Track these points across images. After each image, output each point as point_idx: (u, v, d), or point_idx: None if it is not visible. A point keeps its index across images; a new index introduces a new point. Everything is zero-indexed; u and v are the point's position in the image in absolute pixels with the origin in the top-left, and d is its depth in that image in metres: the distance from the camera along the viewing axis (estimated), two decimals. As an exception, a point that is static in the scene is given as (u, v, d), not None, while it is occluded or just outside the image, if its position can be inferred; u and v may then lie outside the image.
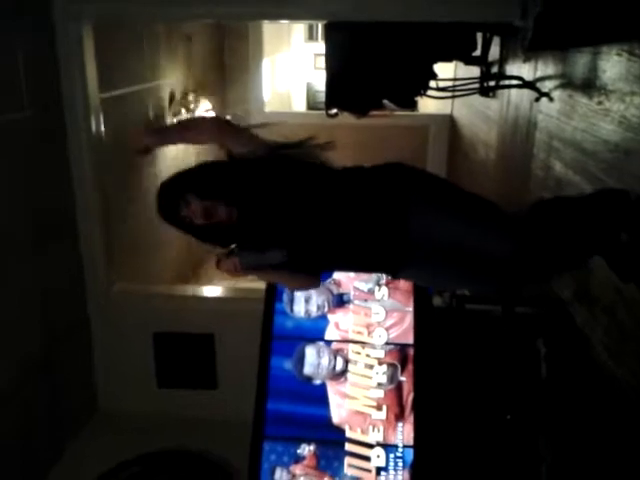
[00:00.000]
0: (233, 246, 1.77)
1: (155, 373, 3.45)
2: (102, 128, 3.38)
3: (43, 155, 2.99)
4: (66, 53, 3.07)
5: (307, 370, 2.08)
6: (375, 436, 1.95)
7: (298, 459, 1.96)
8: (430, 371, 2.00)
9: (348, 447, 1.95)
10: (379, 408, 1.98)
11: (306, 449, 1.95)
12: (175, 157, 4.78)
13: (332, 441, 1.96)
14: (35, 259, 2.92)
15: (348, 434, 1.96)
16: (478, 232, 1.68)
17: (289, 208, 1.74)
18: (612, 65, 2.25)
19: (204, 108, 5.39)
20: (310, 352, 2.07)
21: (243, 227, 1.76)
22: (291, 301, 2.29)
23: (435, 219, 1.68)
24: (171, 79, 4.96)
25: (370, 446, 1.94)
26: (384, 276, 2.28)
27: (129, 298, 3.52)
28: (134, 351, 3.46)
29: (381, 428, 1.96)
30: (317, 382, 2.07)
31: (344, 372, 2.06)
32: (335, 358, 2.07)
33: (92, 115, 3.25)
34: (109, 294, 3.46)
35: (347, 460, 1.93)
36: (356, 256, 1.73)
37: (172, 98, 5.02)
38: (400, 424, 1.98)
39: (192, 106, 5.24)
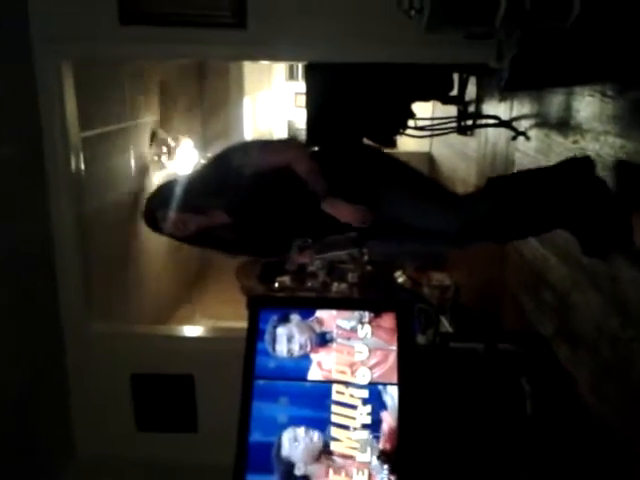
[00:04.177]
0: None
1: (134, 416, 3.37)
2: (82, 167, 3.36)
3: (21, 193, 2.96)
4: (45, 91, 3.08)
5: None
6: (360, 479, 1.90)
7: (280, 506, 1.91)
8: (414, 411, 1.98)
9: (332, 492, 1.90)
10: (363, 450, 1.94)
11: (289, 496, 1.90)
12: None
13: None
14: (11, 298, 2.86)
15: (332, 478, 1.91)
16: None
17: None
18: (586, 105, 2.31)
19: (185, 146, 5.41)
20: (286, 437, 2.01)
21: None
22: (273, 340, 2.25)
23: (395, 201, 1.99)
24: (152, 118, 4.99)
25: (355, 490, 1.90)
26: (367, 314, 2.26)
27: (106, 339, 3.45)
28: (112, 393, 3.38)
29: (365, 471, 1.91)
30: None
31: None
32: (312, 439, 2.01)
33: (72, 153, 3.24)
34: (86, 335, 3.40)
35: (332, 505, 1.89)
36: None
37: (154, 136, 5.04)
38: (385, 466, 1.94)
39: (173, 144, 5.26)
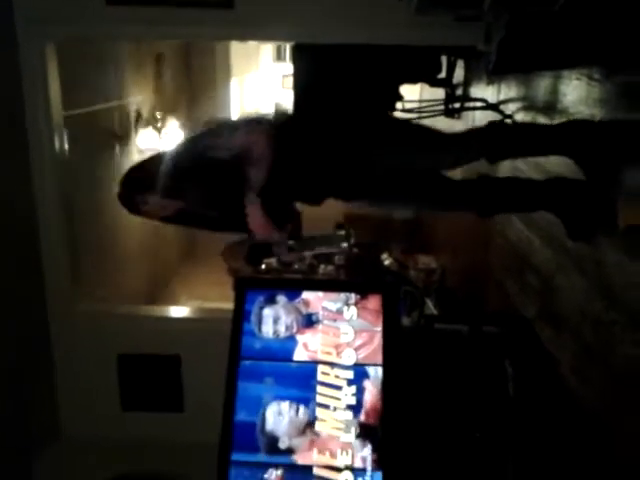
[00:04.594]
0: None
1: (119, 396, 3.37)
2: (65, 145, 3.33)
3: (4, 172, 2.93)
4: (29, 70, 3.04)
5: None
6: (344, 459, 1.92)
7: (265, 484, 1.93)
8: (399, 391, 1.99)
9: (316, 471, 1.92)
10: (348, 430, 1.96)
11: (273, 474, 1.91)
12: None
13: (300, 465, 1.93)
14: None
15: (316, 458, 1.93)
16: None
17: None
18: (572, 89, 2.31)
19: (171, 127, 5.36)
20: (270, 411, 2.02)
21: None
22: (259, 321, 2.26)
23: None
24: (138, 98, 4.93)
25: (338, 470, 1.92)
26: (353, 296, 2.27)
27: (93, 318, 3.44)
28: (98, 373, 3.38)
29: (349, 451, 1.93)
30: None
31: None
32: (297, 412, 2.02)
33: (55, 132, 3.21)
34: (72, 314, 3.39)
35: (315, 484, 1.91)
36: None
37: (139, 116, 4.99)
38: (369, 446, 1.96)
39: (159, 124, 5.21)
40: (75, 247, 3.43)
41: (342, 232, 2.12)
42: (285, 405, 1.96)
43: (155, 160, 2.08)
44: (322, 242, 2.18)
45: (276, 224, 2.22)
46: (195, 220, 2.13)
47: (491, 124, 2.17)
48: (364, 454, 1.91)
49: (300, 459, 1.91)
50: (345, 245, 2.24)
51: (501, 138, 2.07)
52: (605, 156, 1.91)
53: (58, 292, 3.32)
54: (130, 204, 2.06)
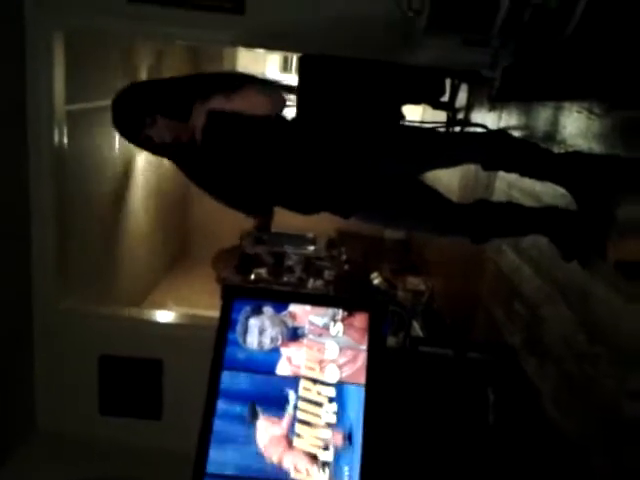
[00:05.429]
0: None
1: (98, 398, 3.33)
2: (65, 140, 3.31)
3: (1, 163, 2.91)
4: (34, 61, 3.02)
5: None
6: (321, 477, 1.90)
7: (239, 498, 1.90)
8: (380, 412, 1.98)
9: (292, 488, 1.90)
10: (326, 449, 1.93)
11: (248, 487, 1.88)
12: (143, 169, 4.72)
13: (275, 480, 1.90)
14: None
15: (293, 475, 1.90)
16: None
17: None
18: (572, 121, 2.32)
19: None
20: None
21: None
22: (244, 332, 2.24)
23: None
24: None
25: (314, 487, 1.89)
26: (340, 312, 2.26)
27: (76, 317, 3.41)
28: (78, 372, 3.34)
29: (326, 470, 1.91)
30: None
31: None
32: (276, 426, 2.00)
33: (55, 126, 3.19)
34: (56, 311, 3.35)
35: (290, 501, 1.88)
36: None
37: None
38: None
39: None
40: (65, 244, 3.40)
41: (311, 236, 2.12)
42: (265, 418, 1.94)
43: (166, 83, 2.05)
44: (290, 241, 2.17)
45: (251, 210, 2.19)
46: (198, 160, 2.01)
47: (499, 131, 2.16)
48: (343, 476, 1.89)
49: (277, 474, 1.89)
50: (312, 249, 2.23)
51: (503, 148, 2.07)
52: (599, 190, 1.92)
53: (44, 287, 3.29)
54: (133, 124, 1.91)
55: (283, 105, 2.06)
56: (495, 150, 2.06)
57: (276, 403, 1.98)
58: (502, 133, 2.18)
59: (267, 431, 1.93)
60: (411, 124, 2.95)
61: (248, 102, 1.90)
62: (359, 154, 2.03)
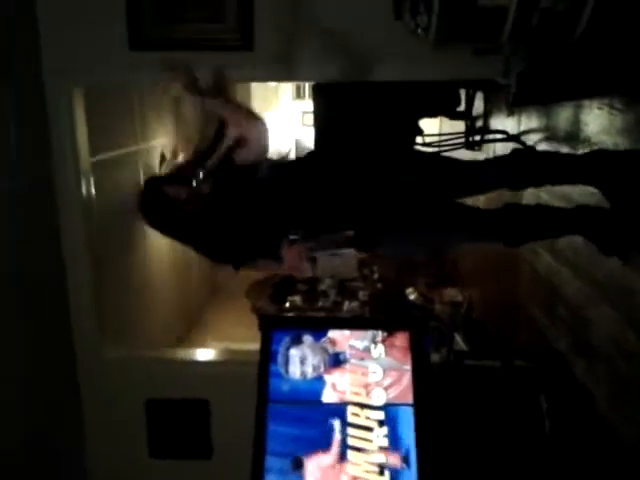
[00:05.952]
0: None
1: (147, 442, 3.34)
2: (93, 192, 3.38)
3: (33, 221, 2.98)
4: (57, 119, 3.09)
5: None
6: (377, 502, 1.87)
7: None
8: (431, 430, 1.95)
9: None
10: (382, 473, 1.91)
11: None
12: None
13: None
14: (26, 328, 2.87)
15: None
16: None
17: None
18: (594, 118, 2.30)
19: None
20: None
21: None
22: (286, 362, 2.23)
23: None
24: (161, 140, 5.01)
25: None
26: (380, 333, 2.24)
27: (120, 364, 3.44)
28: (125, 418, 3.36)
29: (383, 494, 1.88)
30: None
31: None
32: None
33: (83, 180, 3.25)
34: (99, 360, 3.39)
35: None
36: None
37: (163, 159, 5.06)
38: (403, 489, 1.91)
39: (182, 167, 5.27)
40: (101, 293, 3.45)
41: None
42: (313, 456, 1.92)
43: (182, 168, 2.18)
44: (326, 243, 2.15)
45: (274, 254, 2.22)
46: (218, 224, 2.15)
47: (516, 151, 2.16)
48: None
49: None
50: (350, 251, 2.21)
51: (526, 166, 2.06)
52: (630, 185, 1.89)
53: (85, 338, 3.33)
54: (157, 201, 2.11)
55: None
56: (519, 170, 2.05)
57: (323, 435, 1.96)
58: (520, 152, 2.18)
59: (318, 466, 1.91)
60: (431, 154, 2.95)
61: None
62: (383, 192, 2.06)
